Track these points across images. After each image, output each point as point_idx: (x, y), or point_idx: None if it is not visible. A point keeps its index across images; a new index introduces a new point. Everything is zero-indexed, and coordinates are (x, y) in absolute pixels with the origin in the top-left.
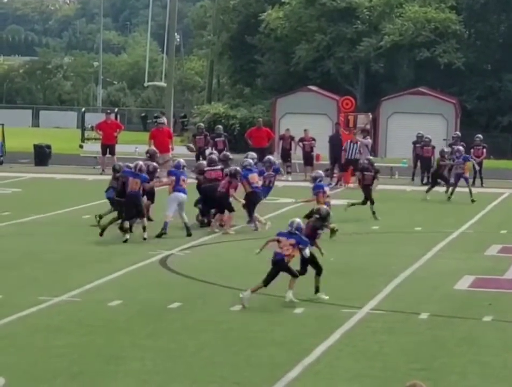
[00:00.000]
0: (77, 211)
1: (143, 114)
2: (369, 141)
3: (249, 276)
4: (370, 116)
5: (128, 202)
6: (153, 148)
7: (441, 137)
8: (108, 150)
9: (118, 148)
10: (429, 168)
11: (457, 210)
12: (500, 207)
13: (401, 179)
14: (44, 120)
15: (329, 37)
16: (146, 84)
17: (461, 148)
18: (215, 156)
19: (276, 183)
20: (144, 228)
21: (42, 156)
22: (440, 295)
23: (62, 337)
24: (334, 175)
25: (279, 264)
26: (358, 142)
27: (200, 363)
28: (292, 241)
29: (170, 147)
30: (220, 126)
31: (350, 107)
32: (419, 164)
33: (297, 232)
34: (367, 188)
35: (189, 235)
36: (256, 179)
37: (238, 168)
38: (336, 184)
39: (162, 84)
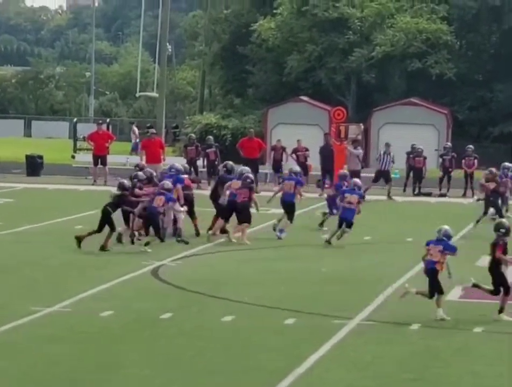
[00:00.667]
0: (69, 221)
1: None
2: (360, 151)
3: (241, 287)
4: (362, 126)
5: (150, 217)
6: (143, 162)
7: (433, 147)
8: (100, 160)
9: (110, 158)
10: (421, 179)
11: (448, 221)
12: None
13: (393, 189)
14: (36, 130)
15: (321, 47)
16: (137, 94)
17: (508, 164)
18: (180, 166)
19: (267, 194)
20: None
21: (34, 166)
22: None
23: (56, 347)
24: (326, 186)
25: (431, 274)
26: (391, 153)
27: (194, 371)
28: (440, 247)
29: (162, 157)
30: (211, 137)
31: (342, 118)
32: (411, 174)
33: (444, 238)
34: (487, 199)
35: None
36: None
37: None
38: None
39: (154, 94)
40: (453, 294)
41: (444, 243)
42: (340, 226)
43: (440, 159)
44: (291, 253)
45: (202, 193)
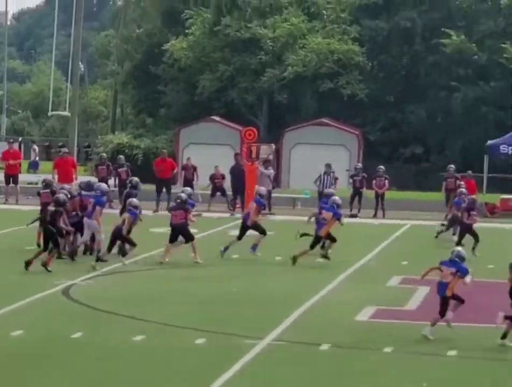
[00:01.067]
0: None
1: (46, 144)
2: (271, 171)
3: (153, 306)
4: (273, 147)
5: (118, 234)
6: (50, 177)
7: (344, 168)
8: (11, 179)
9: (21, 177)
10: None
11: (360, 242)
12: (402, 238)
13: (303, 210)
14: None
15: (233, 67)
16: (50, 114)
17: (464, 190)
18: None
19: None
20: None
21: None
22: (342, 326)
23: None
24: (237, 206)
25: (442, 298)
26: (332, 174)
27: None
28: (452, 269)
29: (74, 176)
30: (122, 156)
31: (253, 138)
32: None
33: (457, 260)
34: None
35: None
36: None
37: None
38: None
39: (66, 113)
40: (363, 314)
41: (458, 266)
42: (323, 244)
43: (351, 180)
44: (204, 273)
45: (113, 212)
